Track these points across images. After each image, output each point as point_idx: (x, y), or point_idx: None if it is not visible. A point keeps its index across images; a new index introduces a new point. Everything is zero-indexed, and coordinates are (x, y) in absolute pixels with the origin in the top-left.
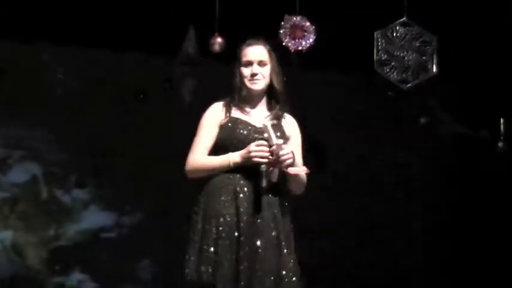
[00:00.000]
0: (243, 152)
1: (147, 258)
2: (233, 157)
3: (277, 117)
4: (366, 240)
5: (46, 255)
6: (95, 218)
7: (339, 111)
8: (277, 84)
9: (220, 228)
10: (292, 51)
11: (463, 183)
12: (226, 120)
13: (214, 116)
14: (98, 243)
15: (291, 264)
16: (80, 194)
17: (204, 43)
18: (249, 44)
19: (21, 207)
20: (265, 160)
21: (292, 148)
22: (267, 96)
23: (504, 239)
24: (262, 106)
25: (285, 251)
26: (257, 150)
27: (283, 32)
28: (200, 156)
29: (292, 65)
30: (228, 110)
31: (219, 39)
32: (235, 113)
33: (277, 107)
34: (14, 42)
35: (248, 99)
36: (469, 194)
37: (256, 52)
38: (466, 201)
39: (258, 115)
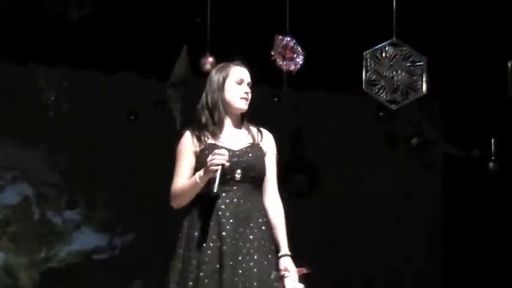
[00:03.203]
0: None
1: (139, 279)
2: (199, 173)
3: (254, 139)
4: (360, 254)
5: (38, 276)
6: (86, 240)
7: (330, 131)
8: (249, 109)
9: (202, 254)
10: (284, 71)
11: (454, 203)
12: (202, 147)
13: (189, 144)
14: (90, 265)
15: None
16: (72, 215)
17: (195, 64)
18: (238, 64)
19: (13, 229)
20: (219, 167)
21: (268, 164)
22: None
23: (495, 259)
24: (236, 128)
25: (271, 269)
26: (212, 159)
27: (275, 52)
28: (178, 184)
29: (285, 85)
30: (202, 135)
31: (210, 59)
32: (210, 138)
33: (252, 125)
34: (6, 64)
35: (222, 121)
36: (461, 214)
37: (247, 73)
38: (458, 222)
39: (234, 138)
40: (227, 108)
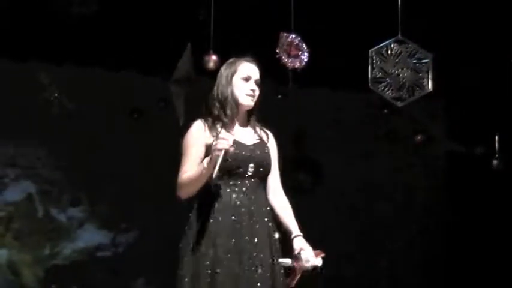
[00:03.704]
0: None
1: (142, 276)
2: (206, 159)
3: (261, 136)
4: (361, 252)
5: (42, 274)
6: (90, 237)
7: (335, 128)
8: (256, 107)
9: (218, 249)
10: (289, 68)
11: (458, 200)
12: (213, 139)
13: (199, 135)
14: (93, 262)
15: (281, 274)
16: (75, 212)
17: (198, 61)
18: (248, 60)
19: (17, 226)
20: (222, 152)
21: (273, 162)
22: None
23: (497, 259)
24: (242, 125)
25: (275, 263)
26: (216, 143)
27: (280, 49)
28: (185, 174)
29: (290, 82)
30: (213, 127)
31: (213, 57)
32: (223, 130)
33: (257, 124)
34: (8, 61)
35: (234, 113)
36: (464, 212)
37: (255, 70)
38: (460, 219)
39: (243, 133)
40: (235, 103)
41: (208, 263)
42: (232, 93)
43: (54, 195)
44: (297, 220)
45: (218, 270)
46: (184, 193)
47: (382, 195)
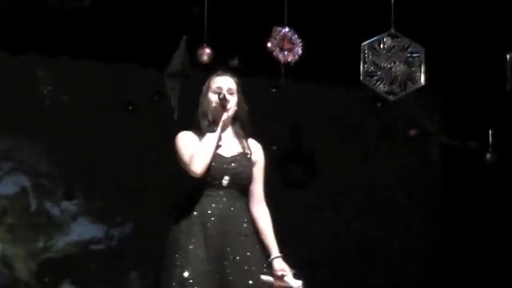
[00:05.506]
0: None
1: (136, 270)
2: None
3: (244, 149)
4: (358, 250)
5: (35, 267)
6: (84, 230)
7: (328, 122)
8: (242, 115)
9: (190, 258)
10: (282, 62)
11: (451, 195)
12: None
13: (189, 136)
14: (87, 255)
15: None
16: (69, 206)
17: (192, 54)
18: (218, 74)
19: (10, 220)
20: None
21: (257, 173)
22: (231, 125)
23: (491, 250)
24: (229, 135)
25: (255, 271)
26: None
27: (272, 43)
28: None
29: (282, 76)
30: (199, 139)
31: (207, 50)
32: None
33: (243, 134)
34: (3, 54)
35: (204, 128)
36: (458, 207)
37: (226, 81)
38: (455, 214)
39: (225, 145)
40: (210, 116)
41: (179, 271)
42: (206, 107)
43: (48, 189)
44: (291, 216)
45: (186, 275)
46: (197, 165)
47: (377, 189)
